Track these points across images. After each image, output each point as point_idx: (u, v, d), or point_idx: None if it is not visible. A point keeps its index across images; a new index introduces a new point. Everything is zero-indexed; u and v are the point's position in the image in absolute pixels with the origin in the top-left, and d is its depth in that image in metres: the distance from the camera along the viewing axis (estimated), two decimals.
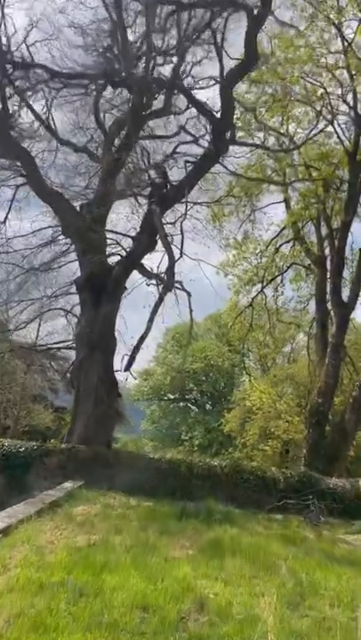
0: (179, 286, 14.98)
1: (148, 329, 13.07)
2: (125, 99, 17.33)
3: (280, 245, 22.79)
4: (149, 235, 14.80)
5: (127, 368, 13.46)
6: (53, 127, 18.79)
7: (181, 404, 51.70)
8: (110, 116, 18.53)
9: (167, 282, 12.87)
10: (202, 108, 13.89)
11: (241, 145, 16.08)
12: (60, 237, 17.26)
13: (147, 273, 15.38)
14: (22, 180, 17.13)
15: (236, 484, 14.83)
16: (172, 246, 14.55)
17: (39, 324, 21.18)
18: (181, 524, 11.43)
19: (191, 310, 14.07)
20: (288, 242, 22.47)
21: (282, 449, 28.87)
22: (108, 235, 17.03)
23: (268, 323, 23.68)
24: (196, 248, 18.91)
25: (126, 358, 13.27)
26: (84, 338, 15.96)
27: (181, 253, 15.08)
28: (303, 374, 33.81)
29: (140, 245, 15.01)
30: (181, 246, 14.30)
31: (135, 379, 16.45)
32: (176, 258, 14.20)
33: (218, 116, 13.18)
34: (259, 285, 23.88)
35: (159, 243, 14.77)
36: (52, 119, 18.94)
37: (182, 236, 14.81)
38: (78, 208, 17.17)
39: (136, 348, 13.77)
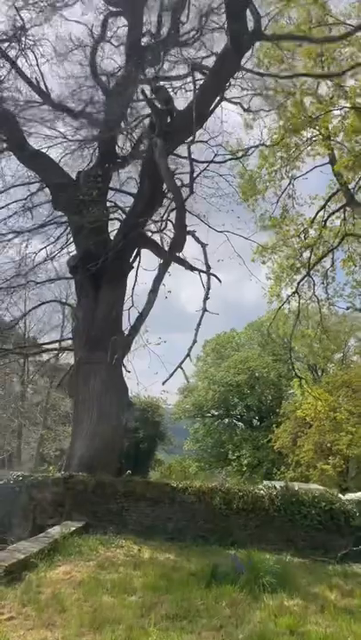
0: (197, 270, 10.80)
1: (150, 303, 9.15)
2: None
3: (328, 217, 18.39)
4: (152, 183, 10.94)
5: (115, 359, 9.42)
6: (45, 90, 15.37)
7: (226, 420, 47.10)
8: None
9: (175, 238, 8.90)
10: None
11: (272, 40, 11.90)
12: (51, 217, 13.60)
13: (150, 244, 11.46)
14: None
15: (293, 522, 10.43)
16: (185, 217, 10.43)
17: (24, 321, 17.48)
18: (211, 592, 7.24)
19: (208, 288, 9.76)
20: (339, 210, 18.03)
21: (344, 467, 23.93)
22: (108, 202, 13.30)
23: (319, 314, 19.16)
24: (222, 219, 14.84)
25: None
26: (82, 334, 12.14)
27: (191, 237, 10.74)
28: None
29: (141, 199, 11.13)
30: (191, 185, 10.03)
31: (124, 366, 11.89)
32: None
33: None
34: (304, 272, 19.55)
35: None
36: (44, 82, 15.57)
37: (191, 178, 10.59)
38: (74, 176, 13.58)
39: (134, 329, 9.83)
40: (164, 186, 10.98)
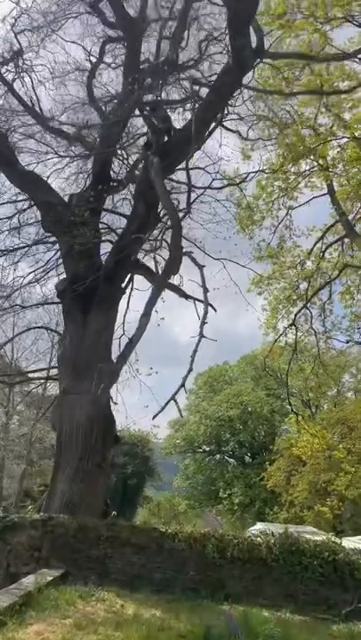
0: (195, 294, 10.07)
1: (142, 328, 8.39)
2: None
3: (326, 248, 17.93)
4: (147, 204, 10.36)
5: (101, 389, 8.54)
6: (41, 113, 15.03)
7: (218, 456, 45.61)
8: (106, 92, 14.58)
9: (170, 259, 8.23)
10: None
11: (275, 57, 11.49)
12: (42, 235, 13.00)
13: (144, 269, 10.80)
14: None
15: (293, 574, 9.43)
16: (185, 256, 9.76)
17: (11, 348, 16.58)
18: None
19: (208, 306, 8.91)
20: (337, 241, 17.60)
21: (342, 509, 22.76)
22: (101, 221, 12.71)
23: (316, 346, 18.44)
24: (219, 246, 14.27)
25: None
26: (68, 362, 11.33)
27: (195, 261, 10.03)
28: (357, 418, 28.14)
29: (135, 221, 10.52)
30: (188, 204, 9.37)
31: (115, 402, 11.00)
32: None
33: None
34: (301, 304, 18.97)
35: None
36: (40, 105, 15.24)
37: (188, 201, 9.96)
38: (67, 199, 13.04)
39: (123, 356, 9.02)
40: (160, 207, 10.45)
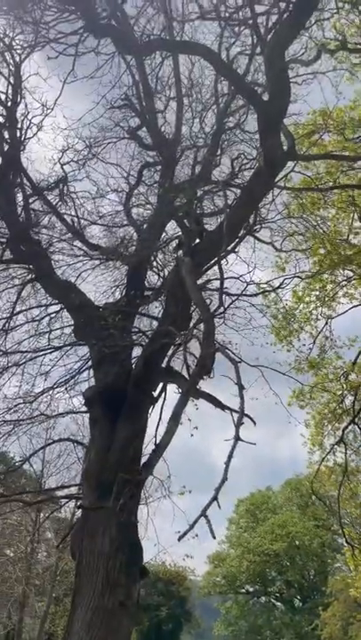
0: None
1: (170, 433, 7.28)
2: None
3: None
4: (177, 304, 9.81)
5: (121, 505, 7.18)
6: (81, 230, 15.58)
7: (263, 598, 40.37)
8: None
9: (202, 356, 7.39)
10: (240, 84, 9.38)
11: (308, 159, 11.29)
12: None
13: (177, 376, 9.92)
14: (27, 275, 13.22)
15: None
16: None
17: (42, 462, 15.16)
18: None
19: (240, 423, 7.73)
20: None
21: None
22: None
23: None
24: (256, 352, 13.34)
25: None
26: (92, 478, 10.08)
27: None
28: None
29: (166, 320, 9.93)
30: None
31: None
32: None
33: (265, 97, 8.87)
34: (348, 419, 17.37)
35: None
36: (80, 223, 15.90)
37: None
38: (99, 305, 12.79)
39: (148, 466, 7.71)
40: (191, 309, 9.94)
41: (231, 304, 12.33)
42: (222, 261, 10.69)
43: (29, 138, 12.73)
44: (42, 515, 20.18)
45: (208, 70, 12.75)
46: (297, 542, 37.38)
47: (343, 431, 16.23)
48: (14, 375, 11.70)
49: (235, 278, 13.26)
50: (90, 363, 12.12)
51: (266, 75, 9.32)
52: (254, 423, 9.95)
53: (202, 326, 8.55)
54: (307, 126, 13.78)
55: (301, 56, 11.58)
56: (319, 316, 17.76)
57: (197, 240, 10.65)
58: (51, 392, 11.95)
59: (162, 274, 13.67)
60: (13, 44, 11.67)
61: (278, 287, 14.18)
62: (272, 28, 9.61)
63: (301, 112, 12.89)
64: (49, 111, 12.53)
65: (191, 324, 9.49)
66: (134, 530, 9.95)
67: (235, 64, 11.61)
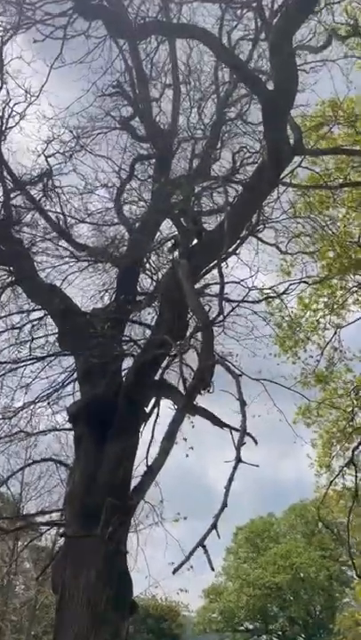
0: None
1: (164, 454, 7.14)
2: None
3: None
4: (173, 311, 9.68)
5: (109, 533, 7.02)
6: (66, 229, 15.54)
7: (264, 637, 40.15)
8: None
9: (200, 369, 7.28)
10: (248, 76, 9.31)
11: (315, 154, 11.28)
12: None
13: (172, 390, 9.79)
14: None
15: None
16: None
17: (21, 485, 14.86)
18: None
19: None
20: None
21: None
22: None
23: None
24: (259, 364, 13.28)
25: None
26: (76, 502, 9.93)
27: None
28: None
29: (160, 332, 9.78)
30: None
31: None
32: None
33: (270, 87, 8.82)
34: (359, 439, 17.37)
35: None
36: (66, 221, 15.87)
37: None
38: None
39: (139, 490, 7.52)
40: (188, 316, 9.85)
41: (232, 311, 12.29)
42: (222, 264, 10.64)
43: (11, 127, 12.61)
44: (20, 543, 20.00)
45: (208, 56, 12.75)
46: (302, 574, 37.38)
47: (353, 452, 16.23)
48: None
49: (236, 283, 13.21)
50: (75, 375, 12.04)
51: (270, 61, 9.33)
52: (256, 442, 9.82)
53: (199, 335, 8.50)
54: (315, 118, 13.87)
55: (310, 42, 11.58)
56: (327, 325, 17.79)
57: (195, 241, 10.64)
58: (32, 407, 11.85)
59: (155, 277, 13.59)
60: None
61: (283, 293, 14.21)
62: (278, 11, 9.57)
63: (309, 103, 12.82)
64: (33, 99, 12.43)
65: (188, 333, 9.37)
66: (123, 560, 9.77)
67: (237, 49, 11.66)
